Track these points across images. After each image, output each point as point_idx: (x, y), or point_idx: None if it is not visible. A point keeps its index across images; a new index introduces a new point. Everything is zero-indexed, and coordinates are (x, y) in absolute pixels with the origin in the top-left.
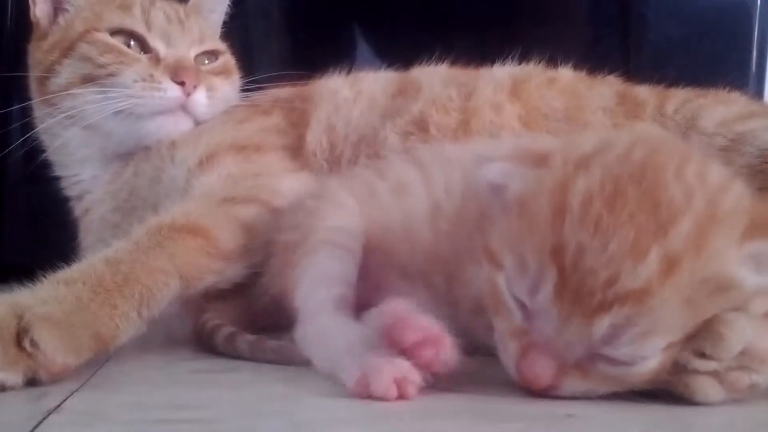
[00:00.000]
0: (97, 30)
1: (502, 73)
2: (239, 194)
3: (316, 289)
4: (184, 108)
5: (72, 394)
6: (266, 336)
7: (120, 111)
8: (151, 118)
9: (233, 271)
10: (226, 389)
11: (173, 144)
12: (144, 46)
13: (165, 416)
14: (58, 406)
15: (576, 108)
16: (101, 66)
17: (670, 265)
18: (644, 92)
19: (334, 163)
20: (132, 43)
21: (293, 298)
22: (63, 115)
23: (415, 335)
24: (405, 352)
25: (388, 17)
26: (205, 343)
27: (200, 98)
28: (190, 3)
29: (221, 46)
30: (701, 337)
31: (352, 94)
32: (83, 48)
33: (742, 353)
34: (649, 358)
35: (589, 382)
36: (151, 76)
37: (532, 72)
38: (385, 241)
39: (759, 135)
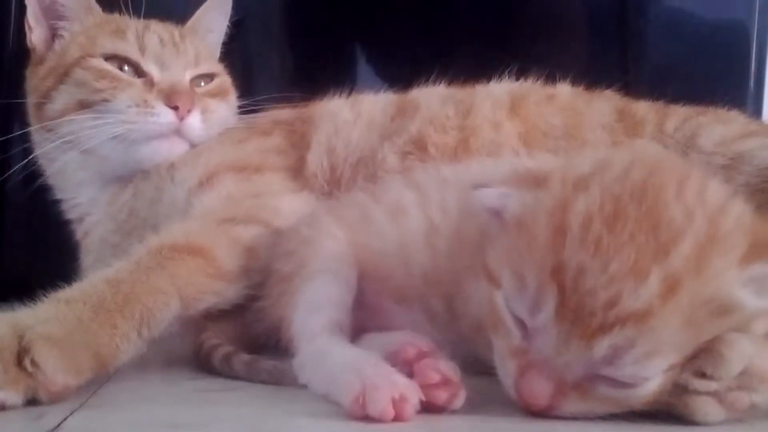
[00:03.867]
0: (91, 56)
1: (500, 90)
2: (239, 214)
3: (312, 315)
4: (178, 132)
5: (72, 413)
6: (262, 356)
7: (116, 136)
8: (145, 142)
9: (233, 292)
10: (226, 408)
11: (172, 165)
12: (138, 71)
13: None
14: (58, 425)
15: (575, 125)
16: (96, 91)
17: (671, 287)
18: (643, 109)
19: (334, 184)
20: (126, 68)
21: (289, 327)
22: (60, 140)
23: (436, 376)
24: (413, 376)
25: (389, 36)
26: (203, 363)
27: (194, 122)
28: (187, 24)
29: (217, 67)
30: (702, 358)
31: (352, 116)
32: (78, 73)
33: (743, 373)
34: (649, 379)
35: (588, 403)
36: (145, 101)
37: (530, 89)
38: (381, 266)
39: (757, 154)
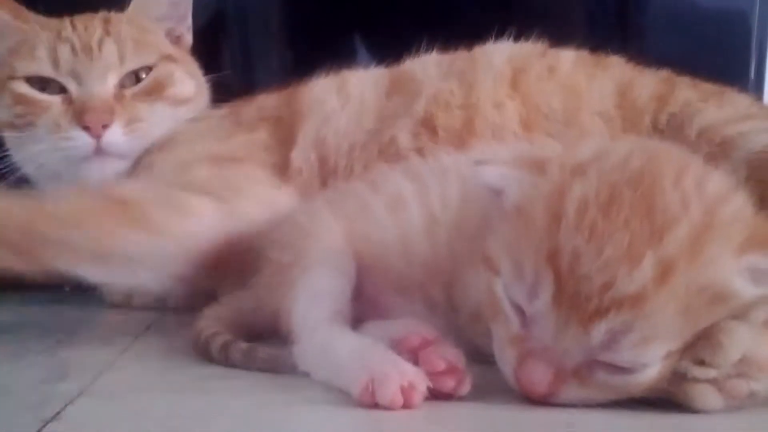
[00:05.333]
0: (13, 77)
1: (501, 59)
2: (197, 185)
3: (314, 306)
4: (100, 152)
5: (71, 401)
6: (259, 344)
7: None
8: (75, 165)
9: (166, 259)
10: (225, 397)
11: (151, 163)
12: (61, 87)
13: (164, 424)
14: (57, 414)
15: (574, 109)
16: (18, 116)
17: (664, 271)
18: (646, 93)
19: (328, 175)
20: (52, 84)
21: (289, 318)
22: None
23: (442, 363)
24: (419, 363)
25: (390, 28)
26: (201, 352)
27: (113, 138)
28: (131, 7)
29: (155, 56)
30: (700, 345)
31: (340, 101)
32: (5, 95)
33: (741, 361)
34: (648, 365)
35: (587, 390)
36: (59, 126)
37: (531, 57)
38: (380, 256)
39: (753, 138)
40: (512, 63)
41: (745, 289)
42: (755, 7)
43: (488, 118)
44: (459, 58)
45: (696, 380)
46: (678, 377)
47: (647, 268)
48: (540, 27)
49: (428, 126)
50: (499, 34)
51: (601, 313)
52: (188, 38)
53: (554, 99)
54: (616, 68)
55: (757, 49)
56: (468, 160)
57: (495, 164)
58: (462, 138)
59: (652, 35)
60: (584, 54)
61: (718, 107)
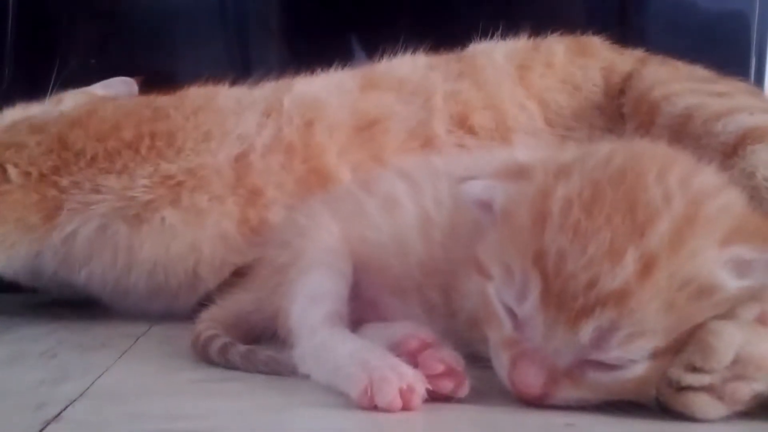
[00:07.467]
0: None
1: (500, 59)
2: None
3: (312, 306)
4: None
5: (71, 403)
6: (259, 346)
7: None
8: None
9: None
10: (225, 399)
11: None
12: None
13: (163, 426)
14: (57, 415)
15: (578, 105)
16: None
17: (646, 265)
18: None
19: None
20: None
21: (287, 318)
22: None
23: (440, 366)
24: (417, 366)
25: (386, 29)
26: (200, 354)
27: None
28: None
29: None
30: (690, 350)
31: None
32: None
33: (736, 362)
34: (636, 362)
35: (581, 390)
36: None
37: (526, 52)
38: (377, 258)
39: (675, 101)
40: (513, 62)
41: (729, 281)
42: (755, 9)
43: (517, 117)
44: (448, 61)
45: (692, 389)
46: (674, 387)
47: (629, 263)
48: (540, 29)
49: (463, 125)
50: (498, 35)
51: (587, 311)
52: None
53: (559, 95)
54: (597, 53)
55: (756, 50)
56: (459, 162)
57: (479, 178)
58: (501, 134)
59: (652, 36)
60: (567, 41)
61: (656, 68)
